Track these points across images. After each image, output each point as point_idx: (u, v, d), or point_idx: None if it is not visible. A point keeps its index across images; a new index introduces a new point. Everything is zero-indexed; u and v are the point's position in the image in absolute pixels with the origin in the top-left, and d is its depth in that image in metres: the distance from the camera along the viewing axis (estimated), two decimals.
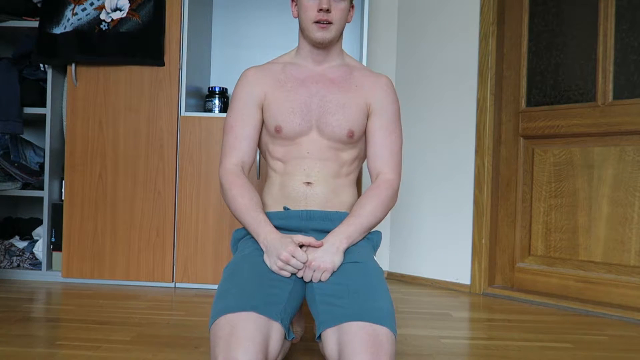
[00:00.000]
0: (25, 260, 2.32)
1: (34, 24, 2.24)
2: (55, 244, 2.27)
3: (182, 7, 2.17)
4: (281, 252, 1.13)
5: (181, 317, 1.72)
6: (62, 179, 2.28)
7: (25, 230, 2.50)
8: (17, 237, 2.43)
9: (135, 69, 2.19)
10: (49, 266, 2.28)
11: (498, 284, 2.29)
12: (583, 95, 2.07)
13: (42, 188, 2.30)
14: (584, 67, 2.07)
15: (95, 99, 2.20)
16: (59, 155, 2.32)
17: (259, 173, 2.15)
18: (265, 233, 1.19)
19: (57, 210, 2.27)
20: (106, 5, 2.15)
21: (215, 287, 1.95)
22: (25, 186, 2.33)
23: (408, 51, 2.58)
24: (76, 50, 2.14)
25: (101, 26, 2.15)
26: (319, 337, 1.10)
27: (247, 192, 1.25)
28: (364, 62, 2.13)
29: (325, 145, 1.29)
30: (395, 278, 2.56)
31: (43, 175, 2.32)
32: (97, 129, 2.20)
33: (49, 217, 2.26)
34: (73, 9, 2.17)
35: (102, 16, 2.15)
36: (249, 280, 1.12)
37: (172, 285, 2.19)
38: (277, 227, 1.27)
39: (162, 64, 2.17)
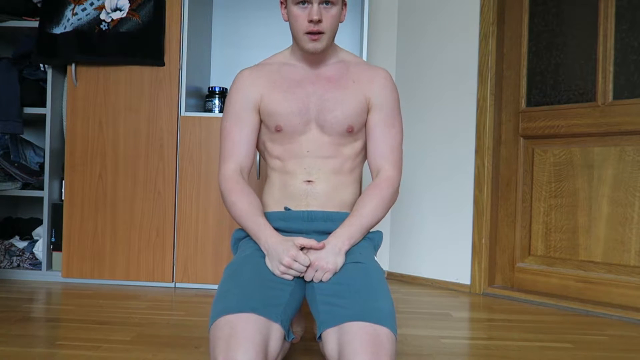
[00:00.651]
0: (25, 260, 2.32)
1: (34, 24, 2.24)
2: (55, 244, 2.27)
3: (182, 7, 2.17)
4: (283, 257, 1.13)
5: (181, 317, 1.72)
6: (62, 179, 2.28)
7: (25, 230, 2.50)
8: (17, 237, 2.43)
9: (135, 69, 2.19)
10: (49, 266, 2.28)
11: (498, 284, 2.29)
12: (583, 95, 2.07)
13: (42, 188, 2.30)
14: (584, 67, 2.07)
15: (95, 99, 2.20)
16: (59, 155, 2.32)
17: (259, 173, 2.15)
18: (266, 237, 1.19)
19: (57, 210, 2.27)
20: (106, 5, 2.15)
21: (216, 287, 1.95)
22: (25, 186, 2.33)
23: (408, 51, 2.58)
24: (76, 50, 2.14)
25: (101, 26, 2.15)
26: (320, 337, 1.10)
27: (246, 197, 1.25)
28: None
29: (327, 141, 1.29)
30: (395, 278, 2.56)
31: (43, 175, 2.32)
32: (97, 129, 2.20)
33: (49, 217, 2.26)
34: (73, 9, 2.17)
35: (102, 16, 2.15)
36: (249, 281, 1.12)
37: (172, 285, 2.19)
38: (278, 229, 1.27)
39: (162, 64, 2.17)
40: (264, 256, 1.20)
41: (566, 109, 2.10)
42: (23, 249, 2.33)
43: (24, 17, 2.30)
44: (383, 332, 1.02)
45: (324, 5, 1.21)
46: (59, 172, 2.32)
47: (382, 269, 1.25)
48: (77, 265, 2.20)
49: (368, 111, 1.32)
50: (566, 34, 2.13)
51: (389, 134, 1.31)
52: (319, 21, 1.21)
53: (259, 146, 1.39)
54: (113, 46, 2.14)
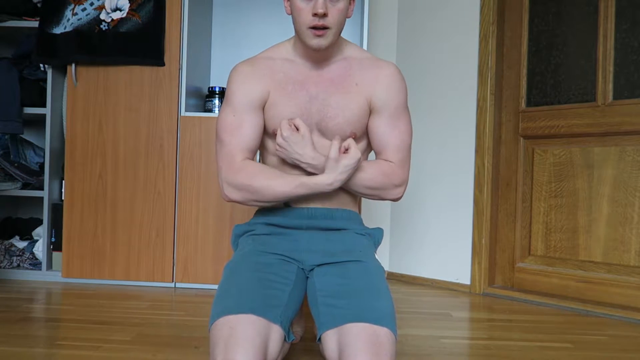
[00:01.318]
0: (25, 260, 2.32)
1: (34, 24, 2.24)
2: (55, 244, 2.27)
3: (182, 7, 2.16)
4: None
5: (181, 317, 1.72)
6: (62, 179, 2.28)
7: (25, 230, 2.50)
8: (17, 237, 2.43)
9: (135, 69, 2.19)
10: (49, 266, 2.28)
11: (498, 284, 2.29)
12: (583, 95, 2.07)
13: (42, 188, 2.30)
14: (584, 67, 2.07)
15: (95, 99, 2.20)
16: (59, 155, 2.32)
17: None
18: (321, 183, 1.18)
19: (57, 210, 2.27)
20: (106, 5, 2.15)
21: (216, 287, 1.94)
22: (25, 186, 2.33)
23: (408, 51, 2.58)
24: (76, 50, 2.14)
25: (101, 26, 2.15)
26: (319, 339, 1.10)
27: (272, 172, 1.21)
28: None
29: (328, 144, 1.24)
30: (396, 278, 2.56)
31: (43, 175, 2.32)
32: (97, 129, 2.20)
33: (49, 217, 2.26)
34: (73, 9, 2.17)
35: (102, 16, 2.15)
36: (248, 281, 1.12)
37: (172, 285, 2.19)
38: (278, 225, 1.27)
39: (162, 64, 2.16)
40: (262, 253, 1.20)
41: (566, 109, 2.10)
42: (23, 249, 2.33)
43: (24, 17, 2.30)
44: (383, 332, 1.02)
45: None
46: (59, 172, 2.32)
47: (382, 267, 1.24)
48: (77, 265, 2.20)
49: (371, 112, 1.27)
50: (566, 34, 2.13)
51: (393, 134, 1.26)
52: (324, 15, 1.12)
53: None
54: (113, 46, 2.14)
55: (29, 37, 2.27)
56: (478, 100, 2.28)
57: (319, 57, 1.24)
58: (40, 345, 1.40)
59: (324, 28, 1.14)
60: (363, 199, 2.23)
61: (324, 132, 1.25)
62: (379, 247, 1.43)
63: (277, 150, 1.20)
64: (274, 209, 1.29)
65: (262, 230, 1.28)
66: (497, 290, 2.22)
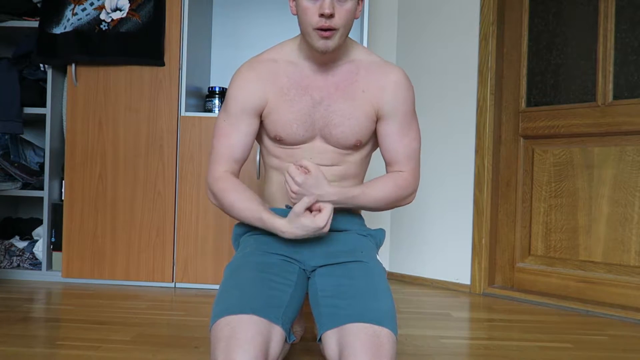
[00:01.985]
0: (25, 260, 2.32)
1: (34, 24, 2.24)
2: (55, 244, 2.27)
3: (182, 7, 2.16)
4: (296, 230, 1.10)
5: (181, 317, 1.72)
6: (62, 179, 2.28)
7: (25, 230, 2.50)
8: (17, 237, 2.43)
9: (135, 69, 2.19)
10: (49, 266, 2.28)
11: (498, 284, 2.29)
12: (583, 95, 2.07)
13: (42, 188, 2.30)
14: (584, 67, 2.07)
15: (95, 99, 2.20)
16: (59, 155, 2.32)
17: (259, 173, 2.14)
18: (279, 227, 1.13)
19: (57, 210, 2.27)
20: (106, 5, 2.15)
21: (216, 287, 1.95)
22: (25, 186, 2.33)
23: (408, 51, 2.58)
24: (76, 50, 2.14)
25: (101, 26, 2.15)
26: (320, 339, 1.10)
27: (243, 194, 1.20)
28: None
29: (331, 150, 1.24)
30: (396, 278, 2.56)
31: (43, 175, 2.32)
32: (97, 129, 2.20)
33: (49, 217, 2.26)
34: (73, 9, 2.17)
35: (102, 16, 2.15)
36: (249, 281, 1.12)
37: (172, 285, 2.19)
38: None
39: (162, 64, 2.16)
40: (264, 253, 1.20)
41: (566, 109, 2.10)
42: (23, 249, 2.33)
43: (24, 17, 2.30)
44: (383, 333, 1.02)
45: None
46: (59, 172, 2.32)
47: (383, 268, 1.24)
48: (77, 265, 2.20)
49: (378, 119, 1.24)
50: (566, 34, 2.13)
51: (403, 142, 1.24)
52: (331, 16, 1.08)
53: (258, 142, 1.35)
54: (113, 46, 2.14)
55: (29, 37, 2.26)
56: (478, 101, 2.28)
57: (325, 59, 1.20)
58: (40, 345, 1.40)
59: (331, 29, 1.10)
60: None
61: (327, 139, 1.23)
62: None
63: (292, 198, 1.14)
64: (276, 210, 1.28)
65: (264, 230, 1.27)
66: (497, 290, 2.22)
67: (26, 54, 2.27)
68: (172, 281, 2.18)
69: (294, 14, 1.19)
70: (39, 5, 2.32)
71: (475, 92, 2.29)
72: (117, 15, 2.15)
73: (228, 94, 1.26)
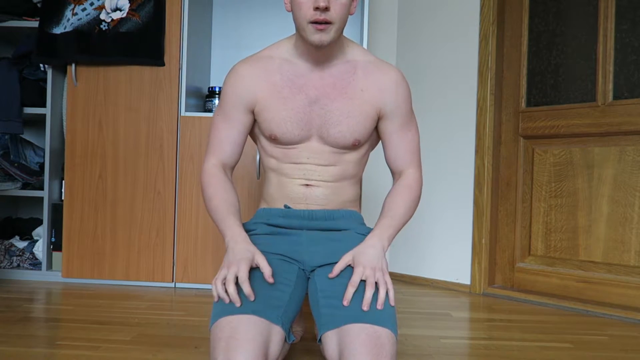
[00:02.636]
0: (25, 260, 2.32)
1: (34, 24, 2.24)
2: (55, 244, 2.27)
3: (182, 7, 2.17)
4: (234, 266, 1.05)
5: (181, 317, 1.72)
6: (62, 179, 2.28)
7: (25, 230, 2.50)
8: (17, 237, 2.43)
9: (135, 69, 2.19)
10: (49, 266, 2.28)
11: (498, 284, 2.29)
12: (583, 95, 2.07)
13: (42, 188, 2.30)
14: (584, 67, 2.07)
15: (95, 99, 2.20)
16: (59, 155, 2.32)
17: (259, 173, 2.14)
18: (233, 235, 1.13)
19: (57, 210, 2.27)
20: (106, 5, 2.15)
21: None
22: (25, 186, 2.33)
23: (408, 51, 2.58)
24: (76, 50, 2.14)
25: (101, 26, 2.15)
26: (320, 340, 1.10)
27: (222, 193, 1.20)
28: None
29: (328, 150, 1.24)
30: (396, 278, 2.56)
31: (43, 175, 2.32)
32: (97, 129, 2.20)
33: (49, 217, 2.26)
34: (73, 9, 2.17)
35: (102, 16, 2.15)
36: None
37: (172, 285, 2.19)
38: (279, 225, 1.26)
39: (162, 64, 2.16)
40: (264, 253, 1.20)
41: (566, 109, 2.10)
42: (23, 249, 2.33)
43: (24, 17, 2.30)
44: (383, 333, 1.02)
45: None
46: (59, 172, 2.32)
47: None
48: (77, 265, 2.20)
49: (379, 119, 1.25)
50: (566, 34, 2.13)
51: (407, 139, 1.27)
52: (326, 9, 1.08)
53: (255, 142, 1.35)
54: (113, 46, 2.14)
55: (29, 37, 2.27)
56: (478, 101, 2.28)
57: (321, 56, 1.19)
58: (40, 345, 1.40)
59: (327, 22, 1.09)
60: (363, 198, 2.23)
61: (324, 139, 1.23)
62: None
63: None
64: (275, 210, 1.29)
65: (263, 230, 1.28)
66: (497, 290, 2.22)
67: (26, 54, 2.27)
68: (172, 281, 2.18)
69: (288, 11, 1.19)
70: (39, 5, 2.32)
71: (475, 92, 2.29)
72: (117, 15, 2.15)
73: (222, 90, 1.28)
